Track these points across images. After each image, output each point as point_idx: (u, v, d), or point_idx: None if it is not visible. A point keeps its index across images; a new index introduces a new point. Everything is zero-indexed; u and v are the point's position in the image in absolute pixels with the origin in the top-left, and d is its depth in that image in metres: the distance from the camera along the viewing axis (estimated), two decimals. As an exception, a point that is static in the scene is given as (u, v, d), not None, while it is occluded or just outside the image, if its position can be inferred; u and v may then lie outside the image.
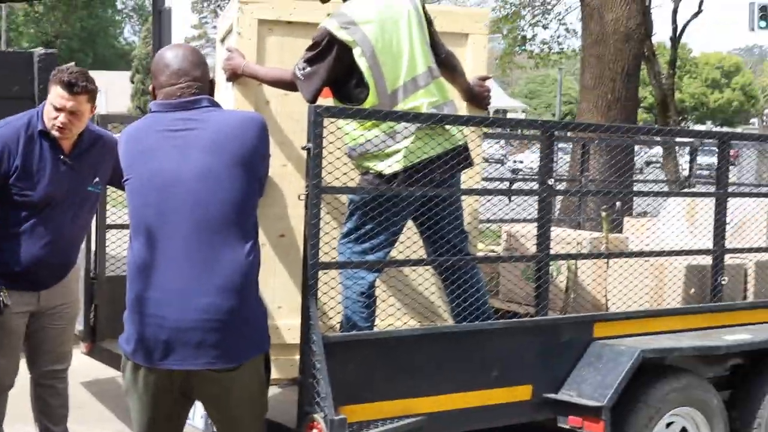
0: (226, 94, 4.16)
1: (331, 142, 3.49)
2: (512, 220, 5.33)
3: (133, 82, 47.73)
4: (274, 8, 4.12)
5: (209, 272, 3.07)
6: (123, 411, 5.12)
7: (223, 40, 4.54)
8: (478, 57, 4.38)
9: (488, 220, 5.52)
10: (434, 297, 4.27)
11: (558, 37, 19.27)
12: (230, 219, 3.11)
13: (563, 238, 4.99)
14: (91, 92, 4.06)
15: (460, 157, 3.88)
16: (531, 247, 4.35)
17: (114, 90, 43.14)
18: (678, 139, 4.92)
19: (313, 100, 3.75)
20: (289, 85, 3.86)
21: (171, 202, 3.11)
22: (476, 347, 3.86)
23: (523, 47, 20.32)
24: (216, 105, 3.32)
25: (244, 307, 3.10)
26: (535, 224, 4.11)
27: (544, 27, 18.98)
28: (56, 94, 4.02)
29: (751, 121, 75.45)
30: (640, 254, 4.55)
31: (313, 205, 3.37)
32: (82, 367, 5.38)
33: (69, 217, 4.13)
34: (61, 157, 4.10)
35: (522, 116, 66.82)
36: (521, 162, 18.97)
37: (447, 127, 3.82)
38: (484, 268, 5.44)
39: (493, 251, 5.81)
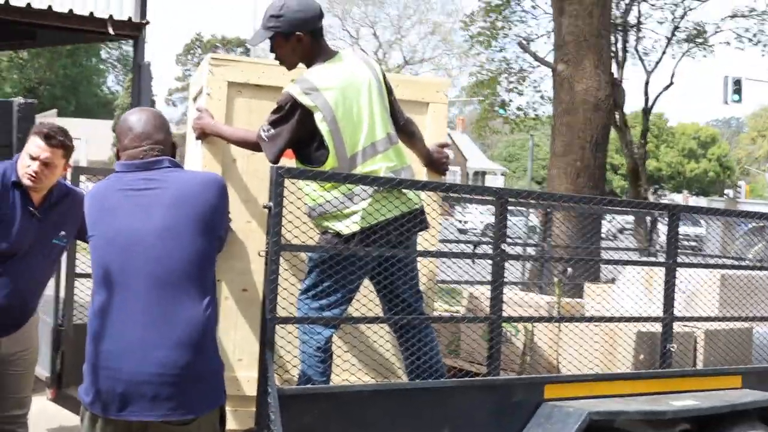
0: (195, 152, 4.31)
1: (291, 202, 3.63)
2: (468, 282, 5.46)
3: (114, 131, 47.91)
4: (243, 71, 4.29)
5: (167, 326, 3.19)
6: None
7: (195, 99, 4.71)
8: (438, 124, 4.59)
9: (444, 282, 5.66)
10: (389, 354, 4.39)
11: (534, 103, 19.67)
12: (189, 275, 3.25)
13: (524, 300, 5.15)
14: (67, 148, 4.21)
15: (416, 219, 4.03)
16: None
17: (96, 138, 43.20)
18: (628, 209, 5.10)
19: (275, 160, 3.89)
20: (253, 145, 4.00)
21: (132, 259, 3.25)
22: (429, 404, 3.95)
23: (503, 110, 20.68)
24: (177, 166, 3.47)
25: (200, 361, 3.23)
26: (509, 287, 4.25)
27: (520, 93, 19.36)
28: (34, 144, 4.17)
29: (726, 191, 76.51)
30: (590, 319, 4.68)
31: (272, 262, 3.50)
32: (48, 413, 5.45)
33: (32, 267, 4.25)
34: (31, 209, 4.22)
35: (500, 179, 67.39)
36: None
37: (404, 190, 3.98)
38: (447, 328, 5.59)
39: (456, 311, 5.94)
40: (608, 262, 5.21)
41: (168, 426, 3.22)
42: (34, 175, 4.17)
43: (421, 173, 4.47)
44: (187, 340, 3.20)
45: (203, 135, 4.18)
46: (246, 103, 4.30)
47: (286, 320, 3.72)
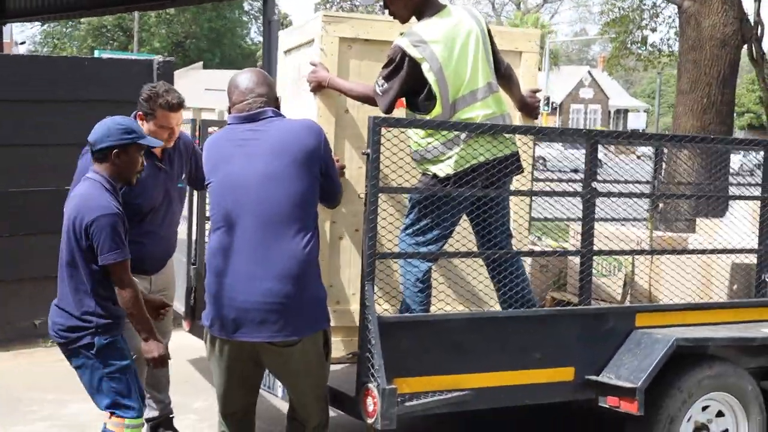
0: (310, 103, 4.68)
1: (388, 148, 3.99)
2: (571, 219, 5.67)
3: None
4: (353, 27, 4.63)
5: (270, 261, 3.66)
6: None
7: (287, 52, 5.10)
8: (529, 72, 4.90)
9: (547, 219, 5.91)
10: (481, 286, 4.70)
11: (668, 39, 19.22)
12: (290, 214, 3.69)
13: (625, 235, 5.37)
14: (183, 104, 4.70)
15: (509, 162, 4.32)
16: (598, 244, 4.67)
17: (239, 89, 44.36)
18: (720, 146, 5.11)
19: (388, 111, 4.25)
20: (369, 99, 4.35)
21: (241, 202, 3.72)
22: (523, 332, 4.28)
23: (641, 46, 20.28)
24: (279, 115, 3.89)
25: (300, 291, 3.68)
26: (612, 222, 4.47)
27: (653, 30, 18.97)
28: (163, 117, 4.66)
29: None
30: (679, 252, 4.88)
31: (371, 203, 3.87)
32: (187, 345, 6.04)
33: (169, 214, 4.80)
34: (157, 163, 4.74)
35: (643, 116, 65.56)
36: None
37: (498, 136, 4.28)
38: (555, 264, 5.87)
39: (562, 247, 6.20)
40: (700, 197, 5.36)
41: (274, 347, 3.71)
42: (169, 137, 4.68)
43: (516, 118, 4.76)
44: (288, 272, 3.65)
45: (319, 88, 4.50)
46: (356, 57, 4.63)
47: (384, 255, 4.10)
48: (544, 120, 42.39)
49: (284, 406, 4.31)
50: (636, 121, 65.94)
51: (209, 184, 3.88)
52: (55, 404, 5.81)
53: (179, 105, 4.66)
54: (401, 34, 4.32)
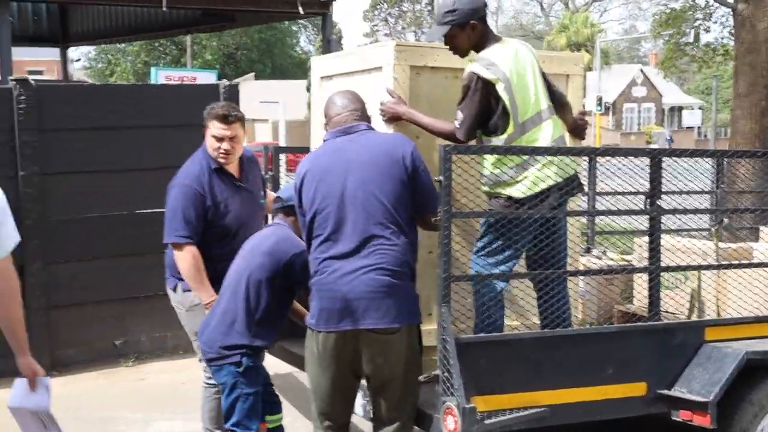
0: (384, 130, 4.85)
1: (458, 175, 4.15)
2: (631, 232, 5.78)
3: (309, 90, 49.39)
4: (422, 55, 4.80)
5: (372, 256, 4.03)
6: (299, 400, 5.94)
7: (328, 78, 5.37)
8: (576, 94, 5.14)
9: (610, 233, 6.01)
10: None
11: (723, 38, 19.07)
12: (386, 216, 4.07)
13: (687, 248, 5.45)
14: (241, 119, 4.99)
15: (573, 183, 4.50)
16: (664, 258, 4.75)
17: (291, 98, 44.84)
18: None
19: (468, 140, 4.44)
20: (449, 135, 4.50)
21: (342, 207, 4.10)
22: (595, 348, 4.41)
23: (696, 44, 20.16)
24: (371, 129, 4.31)
25: (399, 283, 4.05)
26: (672, 235, 4.58)
27: (706, 30, 18.86)
28: (216, 127, 4.92)
29: None
30: (750, 266, 4.94)
31: (444, 228, 4.04)
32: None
33: (254, 229, 5.01)
34: (236, 183, 4.97)
35: (698, 113, 64.72)
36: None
37: (564, 159, 4.43)
38: (619, 278, 5.97)
39: (626, 260, 6.30)
40: (753, 211, 5.42)
41: (375, 334, 4.03)
42: (225, 152, 4.91)
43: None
44: (388, 265, 4.03)
45: (394, 119, 4.68)
46: (424, 84, 4.80)
47: (458, 278, 4.26)
48: (597, 120, 42.11)
49: (366, 426, 4.47)
50: (691, 119, 65.16)
51: (315, 192, 4.17)
52: (141, 423, 6.05)
53: (225, 117, 4.90)
54: (471, 61, 4.49)
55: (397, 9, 71.72)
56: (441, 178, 4.04)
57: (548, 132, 4.49)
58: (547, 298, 4.56)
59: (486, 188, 4.52)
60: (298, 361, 5.03)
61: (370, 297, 4.00)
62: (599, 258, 6.31)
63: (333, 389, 4.22)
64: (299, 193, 4.26)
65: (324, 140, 4.38)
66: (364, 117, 4.36)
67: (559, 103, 4.75)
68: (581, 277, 5.43)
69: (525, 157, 4.38)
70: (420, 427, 4.35)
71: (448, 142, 4.29)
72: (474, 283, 4.50)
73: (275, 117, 41.42)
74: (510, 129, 4.42)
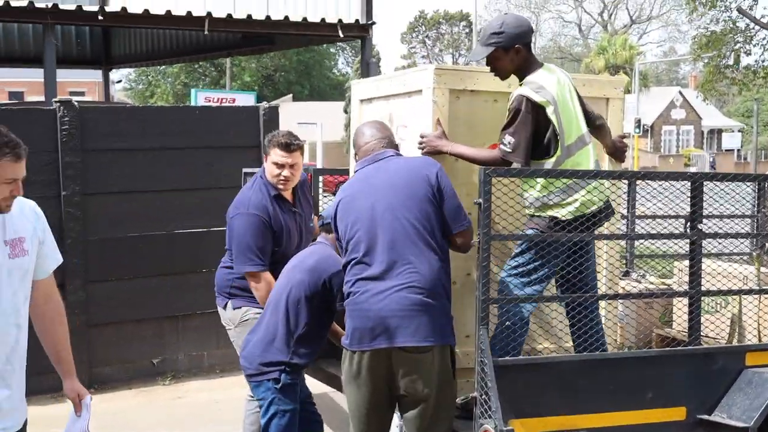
0: (412, 154, 4.87)
1: (497, 197, 4.16)
2: (671, 256, 5.74)
3: (346, 112, 49.68)
4: (462, 79, 4.82)
5: (404, 275, 4.06)
6: (336, 421, 5.96)
7: (368, 101, 5.40)
8: (615, 117, 5.14)
9: (650, 256, 5.96)
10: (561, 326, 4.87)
11: (763, 61, 18.94)
12: (416, 236, 4.12)
13: (728, 272, 5.40)
14: (301, 147, 5.10)
15: (610, 208, 4.53)
16: (704, 283, 4.74)
17: (329, 120, 45.08)
18: None
19: (526, 162, 4.41)
20: (496, 162, 4.48)
21: (371, 231, 4.16)
22: (636, 372, 4.38)
23: (736, 66, 20.03)
24: (398, 155, 4.40)
25: (431, 302, 4.05)
26: (712, 259, 4.55)
27: (747, 53, 18.76)
28: (277, 155, 5.00)
29: None
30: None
31: (483, 250, 4.04)
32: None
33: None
34: (292, 209, 5.08)
35: (738, 135, 64.15)
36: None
37: (604, 183, 4.44)
38: (659, 301, 5.93)
39: (666, 284, 6.25)
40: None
41: (407, 353, 4.04)
42: (285, 179, 5.00)
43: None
44: (420, 285, 4.04)
45: (435, 153, 4.63)
46: (464, 107, 4.81)
47: (497, 300, 4.26)
48: (636, 143, 41.89)
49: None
50: (730, 141, 64.60)
51: (350, 219, 4.26)
52: (178, 441, 6.09)
53: (287, 145, 5.02)
54: (520, 84, 4.52)
55: (434, 31, 71.98)
56: (480, 200, 4.05)
57: (591, 156, 4.53)
58: (580, 321, 4.53)
59: (530, 210, 4.51)
60: (336, 382, 5.05)
61: (401, 315, 4.01)
62: (638, 281, 6.26)
63: (368, 409, 4.23)
64: (335, 222, 4.35)
65: (355, 171, 4.50)
66: (392, 145, 4.46)
67: (595, 126, 4.77)
68: (620, 301, 5.39)
69: (571, 181, 4.39)
70: (458, 449, 4.34)
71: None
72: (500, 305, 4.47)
73: (312, 138, 41.60)
74: (558, 152, 4.44)
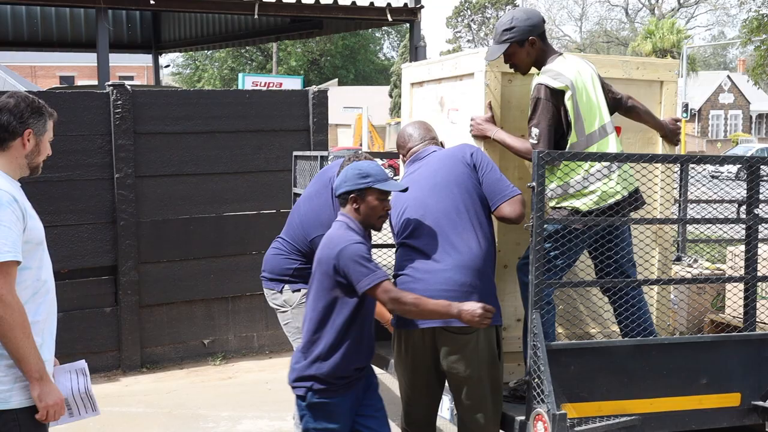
0: (462, 136, 4.87)
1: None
2: (724, 240, 5.67)
3: (391, 96, 49.72)
4: None
5: (449, 256, 4.12)
6: (387, 404, 5.98)
7: (418, 84, 5.42)
8: (670, 101, 5.10)
9: (703, 240, 5.90)
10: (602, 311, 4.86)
11: (817, 43, 18.61)
12: (459, 218, 4.21)
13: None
14: None
15: (637, 197, 4.47)
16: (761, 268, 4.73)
17: (374, 104, 45.16)
18: None
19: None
20: (529, 154, 4.47)
21: (421, 217, 4.25)
22: (691, 357, 4.35)
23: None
24: (441, 148, 4.58)
25: (475, 283, 4.10)
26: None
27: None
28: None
29: None
30: None
31: (536, 234, 4.02)
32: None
33: None
34: None
35: (788, 119, 62.99)
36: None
37: (628, 172, 4.43)
38: (713, 287, 5.88)
39: (720, 270, 6.18)
40: None
41: (451, 333, 4.08)
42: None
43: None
44: (464, 265, 4.10)
45: (482, 138, 4.71)
46: (515, 90, 4.80)
47: (551, 284, 4.24)
48: (683, 127, 41.37)
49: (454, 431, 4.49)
50: (780, 126, 63.52)
51: (404, 209, 4.34)
52: (228, 421, 6.17)
53: None
54: (537, 73, 4.51)
55: (480, 15, 71.55)
56: (534, 184, 4.03)
57: (614, 146, 4.47)
58: (621, 307, 4.51)
59: (553, 203, 4.48)
60: (384, 363, 5.08)
61: (446, 296, 4.01)
62: (690, 266, 6.21)
63: (416, 388, 4.28)
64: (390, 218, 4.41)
65: (406, 168, 4.63)
66: (435, 143, 4.62)
67: (631, 110, 4.78)
68: (673, 286, 5.36)
69: (593, 170, 4.36)
70: (509, 433, 4.35)
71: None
72: (524, 289, 4.45)
73: (358, 123, 41.75)
74: (573, 138, 4.41)
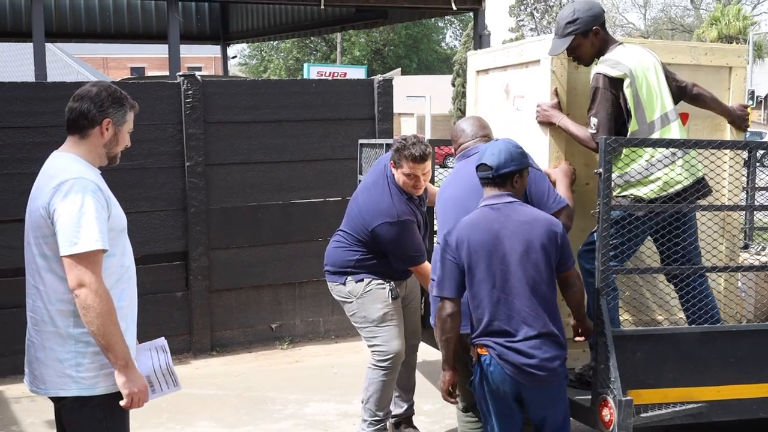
0: (527, 124, 4.94)
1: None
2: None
3: (454, 85, 49.48)
4: None
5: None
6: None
7: (483, 71, 5.48)
8: (738, 86, 5.11)
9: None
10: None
11: None
12: None
13: None
14: (430, 155, 5.11)
15: (702, 185, 4.49)
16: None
17: (437, 93, 45.07)
18: None
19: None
20: (587, 144, 4.56)
21: (457, 210, 4.29)
22: (759, 345, 4.33)
23: None
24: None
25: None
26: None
27: None
28: (409, 167, 5.05)
29: None
30: None
31: (603, 220, 4.05)
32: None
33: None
34: (419, 203, 5.28)
35: None
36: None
37: (693, 160, 4.44)
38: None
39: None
40: None
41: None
42: (418, 187, 5.12)
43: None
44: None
45: (547, 124, 4.75)
46: (580, 77, 4.82)
47: (618, 271, 4.26)
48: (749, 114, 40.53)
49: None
50: None
51: (444, 207, 4.48)
52: (296, 404, 6.28)
53: (422, 157, 5.01)
54: (595, 63, 4.54)
55: (543, 4, 70.87)
56: (600, 170, 4.06)
57: (677, 133, 4.48)
58: (688, 294, 4.52)
59: (617, 191, 4.48)
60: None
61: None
62: (758, 254, 6.15)
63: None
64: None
65: (454, 164, 4.74)
66: (488, 140, 4.59)
67: (692, 95, 4.77)
68: (740, 274, 5.32)
69: (656, 158, 4.35)
70: (576, 419, 4.37)
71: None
72: (587, 276, 4.44)
73: (420, 111, 41.74)
74: (634, 126, 4.43)
